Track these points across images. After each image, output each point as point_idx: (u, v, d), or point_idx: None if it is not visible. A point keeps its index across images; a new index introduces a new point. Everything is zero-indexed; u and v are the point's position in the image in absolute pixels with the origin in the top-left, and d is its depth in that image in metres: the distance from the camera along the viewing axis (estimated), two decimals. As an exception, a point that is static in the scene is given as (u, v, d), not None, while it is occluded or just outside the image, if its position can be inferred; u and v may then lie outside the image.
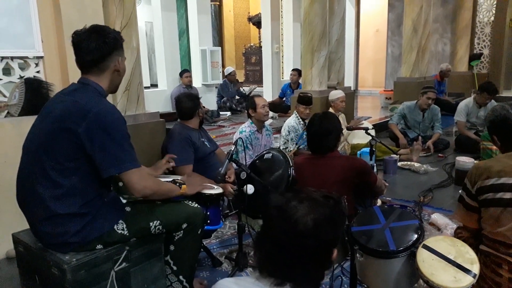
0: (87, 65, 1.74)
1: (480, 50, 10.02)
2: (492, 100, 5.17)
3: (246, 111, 3.73)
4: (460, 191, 1.89)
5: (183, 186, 1.97)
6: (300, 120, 4.17)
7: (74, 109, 1.63)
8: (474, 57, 9.60)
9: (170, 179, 2.07)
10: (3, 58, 2.74)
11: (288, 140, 4.10)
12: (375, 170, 3.36)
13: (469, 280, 1.43)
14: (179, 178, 2.16)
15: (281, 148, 3.97)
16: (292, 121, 4.17)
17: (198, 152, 2.97)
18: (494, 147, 4.40)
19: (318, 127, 2.43)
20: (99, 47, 1.70)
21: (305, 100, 4.11)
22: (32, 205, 1.69)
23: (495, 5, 9.65)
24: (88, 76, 1.75)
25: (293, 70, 7.54)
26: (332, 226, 1.02)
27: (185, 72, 7.03)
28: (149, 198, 1.79)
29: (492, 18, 9.77)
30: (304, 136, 4.15)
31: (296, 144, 4.09)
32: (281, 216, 1.01)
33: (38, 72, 2.89)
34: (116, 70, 1.78)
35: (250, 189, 2.32)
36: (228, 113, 7.49)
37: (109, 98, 1.89)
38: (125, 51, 1.87)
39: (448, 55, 10.55)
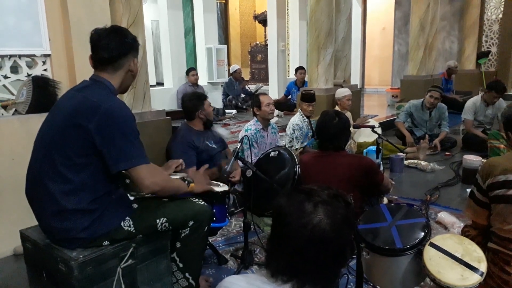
0: (103, 63, 1.77)
1: (488, 48, 9.93)
2: (500, 99, 5.13)
3: (251, 109, 3.73)
4: (471, 187, 1.87)
5: (191, 184, 1.98)
6: (305, 117, 4.16)
7: (84, 105, 1.65)
8: (482, 55, 9.51)
9: (179, 177, 2.08)
10: (11, 56, 2.76)
11: (293, 139, 4.09)
12: (381, 168, 3.34)
13: (476, 278, 1.42)
14: (187, 176, 2.16)
15: (286, 146, 3.96)
16: (297, 119, 4.16)
17: (202, 154, 2.95)
18: (502, 146, 4.38)
19: (334, 126, 2.43)
20: (118, 46, 1.75)
21: (307, 97, 4.11)
22: (42, 200, 1.70)
23: (503, 2, 9.55)
24: (101, 74, 1.78)
25: (301, 68, 7.50)
26: (349, 226, 1.01)
27: (192, 70, 7.04)
28: (157, 194, 1.80)
29: (501, 16, 9.67)
30: (309, 134, 4.14)
31: (302, 143, 4.09)
32: (297, 224, 0.98)
33: (45, 70, 2.91)
34: (130, 70, 1.82)
35: (248, 173, 2.32)
36: (234, 111, 7.49)
37: (116, 95, 1.90)
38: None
39: (456, 53, 10.47)
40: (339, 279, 2.06)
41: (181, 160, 2.34)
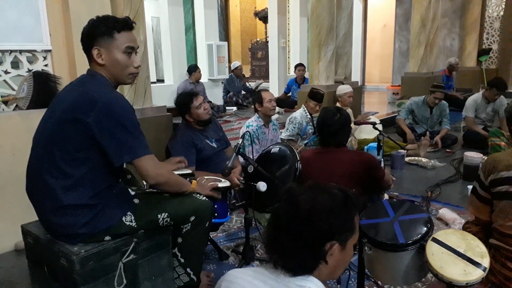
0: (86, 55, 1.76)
1: (489, 45, 9.90)
2: (501, 96, 5.12)
3: (252, 106, 3.71)
4: (472, 183, 1.87)
5: (193, 181, 1.98)
6: (308, 114, 4.17)
7: (82, 100, 1.63)
8: (483, 52, 9.50)
9: (180, 172, 2.07)
10: (11, 51, 2.75)
11: (287, 129, 4.17)
12: (382, 165, 3.34)
13: (479, 273, 1.42)
14: (188, 172, 2.16)
15: (283, 136, 4.01)
16: (298, 114, 4.18)
17: (202, 153, 2.92)
18: (503, 143, 4.38)
19: (335, 122, 2.43)
20: (84, 36, 1.72)
21: (317, 97, 4.13)
22: (42, 195, 1.69)
23: (504, 0, 9.53)
24: (91, 66, 1.77)
25: (300, 65, 7.48)
26: (329, 215, 1.00)
27: (196, 68, 6.99)
28: (161, 187, 1.80)
29: (502, 13, 9.65)
30: (309, 130, 4.14)
31: (302, 138, 4.09)
32: (287, 199, 1.03)
33: (46, 65, 2.90)
34: (97, 62, 1.71)
35: (263, 186, 2.27)
36: (234, 108, 7.48)
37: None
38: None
39: (457, 50, 10.45)
40: (341, 275, 2.06)
41: (183, 158, 2.33)
